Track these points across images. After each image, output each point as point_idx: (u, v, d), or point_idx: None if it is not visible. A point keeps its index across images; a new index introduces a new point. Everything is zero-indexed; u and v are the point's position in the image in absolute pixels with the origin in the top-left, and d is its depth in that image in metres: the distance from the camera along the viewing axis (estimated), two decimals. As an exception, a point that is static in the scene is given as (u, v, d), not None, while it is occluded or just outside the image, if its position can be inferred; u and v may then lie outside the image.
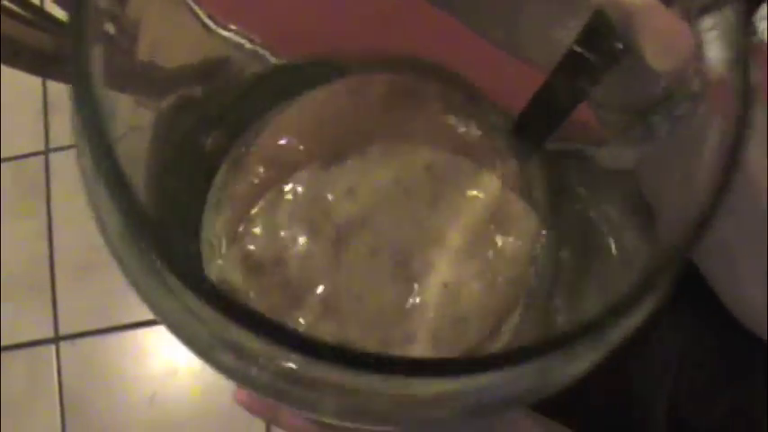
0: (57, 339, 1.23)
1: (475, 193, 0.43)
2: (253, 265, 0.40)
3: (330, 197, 0.41)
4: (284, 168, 0.42)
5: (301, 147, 0.43)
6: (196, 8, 0.39)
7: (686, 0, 0.31)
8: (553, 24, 0.36)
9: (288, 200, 0.41)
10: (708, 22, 0.30)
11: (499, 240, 0.42)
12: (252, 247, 0.40)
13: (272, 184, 0.42)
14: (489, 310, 0.41)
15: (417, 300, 0.40)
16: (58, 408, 1.19)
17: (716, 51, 0.30)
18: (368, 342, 0.40)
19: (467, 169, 0.43)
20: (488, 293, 0.41)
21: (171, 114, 0.38)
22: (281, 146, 0.43)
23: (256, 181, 0.42)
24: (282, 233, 0.41)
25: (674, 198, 0.32)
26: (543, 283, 0.42)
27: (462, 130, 0.44)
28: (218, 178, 0.43)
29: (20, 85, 1.32)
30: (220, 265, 0.40)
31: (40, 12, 0.86)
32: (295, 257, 0.40)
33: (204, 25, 0.40)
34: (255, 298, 0.40)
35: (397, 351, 0.40)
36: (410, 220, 0.41)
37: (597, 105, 0.38)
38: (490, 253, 0.42)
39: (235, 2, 0.43)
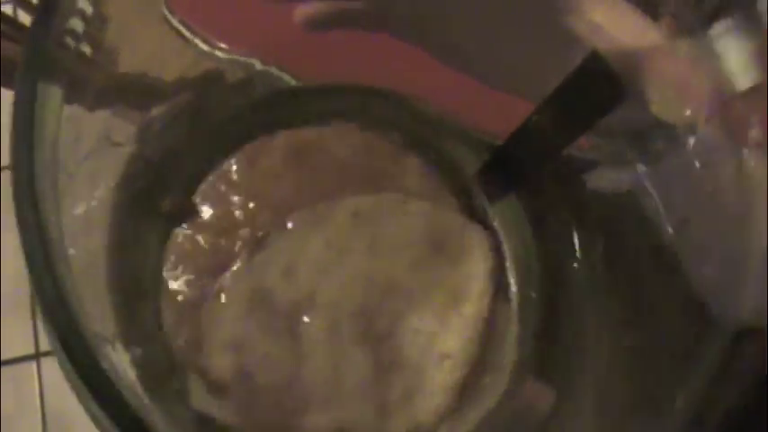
0: (37, 356, 1.21)
1: (409, 223, 0.40)
2: (219, 390, 0.38)
3: (268, 286, 0.39)
4: (212, 273, 0.39)
5: (222, 241, 0.39)
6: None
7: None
8: (540, 61, 0.32)
9: (227, 306, 0.39)
10: (718, 28, 0.26)
11: (453, 269, 0.40)
12: (211, 371, 0.38)
13: (206, 295, 0.39)
14: (471, 340, 0.39)
15: (397, 353, 0.39)
16: (40, 425, 1.18)
17: (730, 61, 0.26)
18: (366, 414, 0.38)
19: (393, 203, 0.40)
20: (464, 325, 0.40)
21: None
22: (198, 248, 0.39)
23: (185, 298, 0.39)
24: (232, 346, 0.38)
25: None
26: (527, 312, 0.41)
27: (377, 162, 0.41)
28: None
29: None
30: (199, 400, 0.38)
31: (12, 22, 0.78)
32: (255, 365, 0.38)
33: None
34: (239, 420, 0.38)
35: (401, 409, 0.39)
36: (356, 278, 0.39)
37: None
38: (448, 283, 0.40)
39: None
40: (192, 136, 0.41)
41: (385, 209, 0.39)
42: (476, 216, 0.41)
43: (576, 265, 0.39)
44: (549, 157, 0.35)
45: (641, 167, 0.34)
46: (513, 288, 0.41)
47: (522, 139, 0.34)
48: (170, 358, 0.39)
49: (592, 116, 0.31)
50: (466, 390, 0.38)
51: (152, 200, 0.38)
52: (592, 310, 0.38)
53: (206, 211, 0.40)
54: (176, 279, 0.39)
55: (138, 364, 0.37)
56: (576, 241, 0.40)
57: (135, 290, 0.39)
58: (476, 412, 0.39)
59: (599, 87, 0.31)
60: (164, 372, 0.38)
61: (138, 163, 0.38)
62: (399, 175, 0.40)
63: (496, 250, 0.40)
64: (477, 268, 0.39)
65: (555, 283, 0.40)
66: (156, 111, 0.39)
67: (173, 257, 0.39)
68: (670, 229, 0.33)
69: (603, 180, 0.37)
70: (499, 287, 0.40)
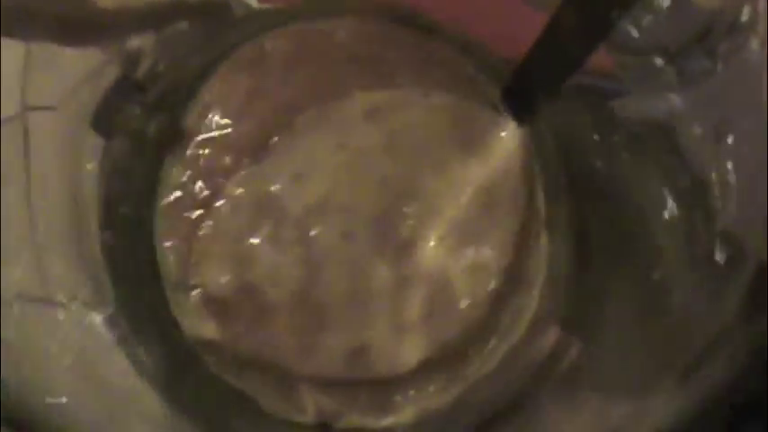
0: None
1: (432, 118, 0.36)
2: (218, 308, 0.34)
3: (277, 192, 0.35)
4: (215, 176, 0.36)
5: (220, 146, 0.36)
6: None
7: None
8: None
9: (230, 215, 0.35)
10: None
11: (482, 167, 0.35)
12: (208, 287, 0.34)
13: (208, 201, 0.35)
14: (503, 249, 0.35)
15: (420, 263, 0.35)
16: None
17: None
18: (386, 332, 0.34)
19: (413, 96, 0.36)
20: (496, 231, 0.35)
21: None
22: (207, 154, 0.36)
23: (189, 208, 0.35)
24: (237, 258, 0.35)
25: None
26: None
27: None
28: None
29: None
30: (189, 323, 0.35)
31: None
32: (261, 278, 0.34)
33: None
34: (235, 343, 0.34)
35: (425, 324, 0.34)
36: (373, 182, 0.35)
37: (617, 48, 0.30)
38: (477, 184, 0.35)
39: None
40: (187, 59, 0.37)
41: (404, 103, 0.35)
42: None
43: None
44: (571, 70, 0.30)
45: (677, 92, 0.31)
46: (542, 199, 0.36)
47: (541, 51, 0.30)
48: (161, 280, 0.35)
49: (613, 8, 0.26)
50: (496, 307, 0.34)
51: (141, 126, 0.35)
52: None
53: (207, 123, 0.36)
54: (173, 193, 0.36)
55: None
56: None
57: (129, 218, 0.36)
58: (502, 343, 0.34)
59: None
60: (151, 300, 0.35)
61: (126, 88, 0.34)
62: (420, 66, 0.36)
63: (528, 149, 0.35)
64: (509, 165, 0.35)
65: (583, 213, 0.35)
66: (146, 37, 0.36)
67: (173, 172, 0.36)
68: (706, 161, 0.29)
69: (634, 108, 0.33)
70: (530, 191, 0.35)
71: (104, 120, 0.32)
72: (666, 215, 0.32)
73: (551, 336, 0.34)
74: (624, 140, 0.34)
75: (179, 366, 0.34)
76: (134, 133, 0.33)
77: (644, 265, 0.32)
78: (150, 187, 0.35)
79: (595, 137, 0.35)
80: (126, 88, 0.32)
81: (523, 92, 0.34)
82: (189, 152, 0.36)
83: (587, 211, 0.36)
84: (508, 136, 0.35)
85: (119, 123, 0.32)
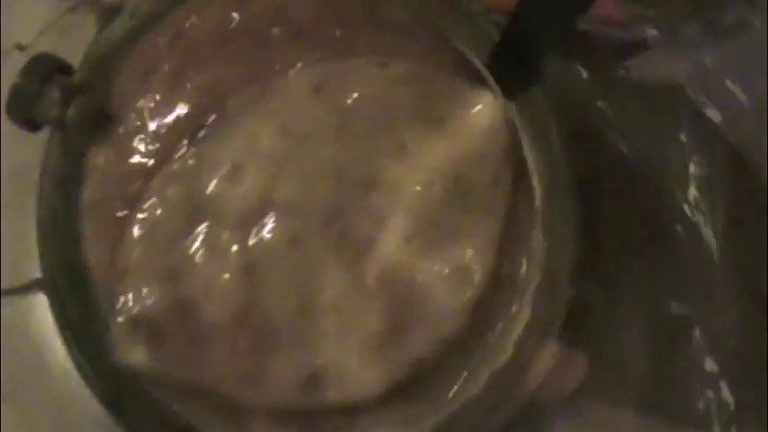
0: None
1: (392, 93, 0.30)
2: (148, 331, 0.29)
3: (211, 190, 0.29)
4: (140, 172, 0.30)
5: (141, 138, 0.30)
6: None
7: None
8: None
9: (158, 218, 0.29)
10: None
11: (455, 150, 0.29)
12: (136, 307, 0.29)
13: (133, 202, 0.30)
14: (484, 247, 0.29)
15: (385, 268, 0.29)
16: None
17: None
18: (346, 353, 0.29)
19: (368, 68, 0.30)
20: (475, 227, 0.29)
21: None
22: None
23: (114, 210, 0.30)
24: (167, 272, 0.29)
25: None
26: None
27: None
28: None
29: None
30: (118, 348, 0.29)
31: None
32: (196, 294, 0.29)
33: None
34: (172, 372, 0.29)
35: (393, 344, 0.29)
36: (324, 173, 0.29)
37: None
38: (450, 169, 0.29)
39: None
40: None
41: (357, 76, 0.29)
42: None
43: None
44: (571, 24, 0.24)
45: (705, 49, 0.27)
46: (537, 187, 0.30)
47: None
48: (87, 296, 0.30)
49: None
50: (479, 320, 0.28)
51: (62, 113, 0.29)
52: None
53: (131, 108, 0.30)
54: (93, 198, 0.30)
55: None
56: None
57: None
58: (487, 362, 0.29)
59: None
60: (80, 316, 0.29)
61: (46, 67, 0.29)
62: (375, 30, 0.30)
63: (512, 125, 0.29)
64: (488, 146, 0.28)
65: (588, 202, 0.29)
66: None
67: (89, 174, 0.30)
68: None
69: (652, 67, 0.29)
70: (518, 177, 0.29)
71: (20, 107, 0.26)
72: (691, 197, 0.26)
73: (548, 352, 0.29)
74: (640, 109, 0.28)
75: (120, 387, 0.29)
76: (55, 121, 0.27)
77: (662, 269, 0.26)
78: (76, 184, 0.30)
79: (602, 104, 0.29)
80: (45, 67, 0.27)
81: (516, 54, 0.27)
82: (111, 143, 0.30)
83: (594, 198, 0.29)
84: (485, 110, 0.29)
85: (39, 111, 0.26)
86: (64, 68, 0.29)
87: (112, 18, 0.31)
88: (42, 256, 0.31)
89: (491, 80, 0.29)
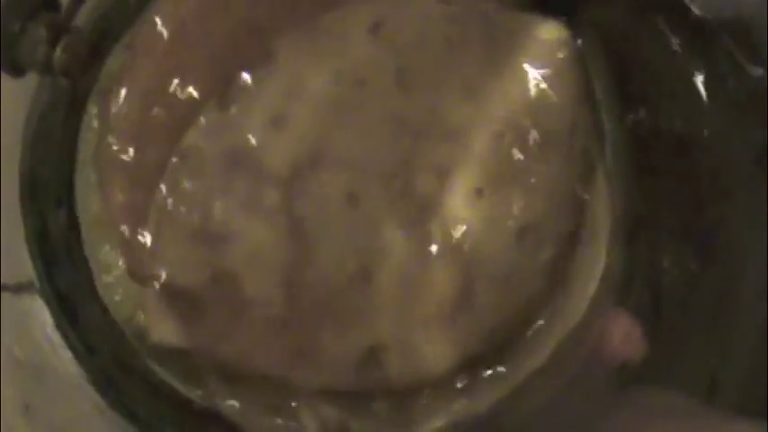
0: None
1: (456, 32, 0.26)
2: (186, 306, 0.25)
3: (251, 143, 0.26)
4: (165, 125, 0.26)
5: (176, 81, 0.26)
6: None
7: None
8: None
9: (190, 179, 0.26)
10: None
11: (523, 89, 0.26)
12: (175, 280, 0.25)
13: (158, 161, 0.26)
14: (558, 202, 0.26)
15: (452, 228, 0.25)
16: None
17: None
18: (410, 326, 0.25)
19: (429, 5, 0.27)
20: (548, 178, 0.26)
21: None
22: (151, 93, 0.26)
23: (128, 174, 0.26)
24: (205, 235, 0.25)
25: None
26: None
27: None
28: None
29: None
30: (161, 329, 0.25)
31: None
32: (238, 262, 0.25)
33: None
34: (209, 352, 0.25)
35: (460, 315, 0.25)
36: (382, 121, 0.26)
37: None
38: (519, 112, 0.26)
39: None
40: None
41: (419, 15, 0.26)
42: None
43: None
44: None
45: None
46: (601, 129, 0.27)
47: None
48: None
49: None
50: (551, 280, 0.25)
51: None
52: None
53: (149, 46, 0.26)
54: (115, 153, 0.26)
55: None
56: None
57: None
58: (558, 325, 0.25)
59: None
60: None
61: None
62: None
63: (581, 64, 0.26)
64: (563, 93, 0.25)
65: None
66: None
67: (106, 124, 0.26)
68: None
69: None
70: (586, 118, 0.26)
71: (2, 47, 0.22)
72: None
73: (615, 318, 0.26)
74: (703, 51, 0.25)
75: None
76: (42, 64, 0.23)
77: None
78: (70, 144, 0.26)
79: (660, 45, 0.26)
80: (29, 3, 0.23)
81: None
82: (124, 89, 0.26)
83: (653, 143, 0.27)
84: (559, 46, 0.26)
85: (23, 52, 0.22)
86: (50, 4, 0.25)
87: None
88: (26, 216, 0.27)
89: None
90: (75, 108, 0.27)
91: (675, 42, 0.28)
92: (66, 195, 0.27)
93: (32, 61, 0.23)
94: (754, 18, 0.25)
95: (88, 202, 0.27)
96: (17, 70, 0.24)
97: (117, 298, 0.27)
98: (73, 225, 0.27)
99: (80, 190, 0.27)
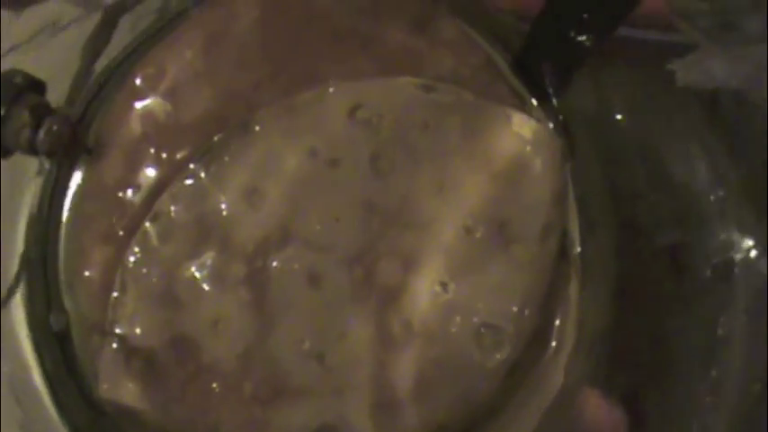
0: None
1: (436, 121, 0.27)
2: (142, 365, 0.26)
3: (222, 213, 0.26)
4: (142, 186, 0.27)
5: (152, 149, 0.27)
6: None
7: None
8: None
9: (161, 240, 0.26)
10: None
11: (503, 190, 0.26)
12: (134, 337, 0.26)
13: (133, 220, 0.26)
14: (524, 302, 0.26)
15: (412, 319, 0.26)
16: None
17: None
18: (362, 410, 0.26)
19: (412, 90, 0.27)
20: (515, 279, 0.26)
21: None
22: (125, 147, 0.27)
23: (103, 232, 0.26)
24: (168, 300, 0.26)
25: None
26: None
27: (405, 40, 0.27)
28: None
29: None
30: (105, 381, 0.26)
31: None
32: (199, 327, 0.26)
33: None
34: (164, 414, 0.26)
35: (415, 404, 0.25)
36: (353, 204, 0.26)
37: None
38: (494, 213, 0.26)
39: None
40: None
41: (400, 100, 0.26)
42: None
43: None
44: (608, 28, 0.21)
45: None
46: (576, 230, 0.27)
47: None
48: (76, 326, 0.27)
49: None
50: (511, 378, 0.25)
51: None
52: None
53: (136, 112, 0.27)
54: (83, 213, 0.27)
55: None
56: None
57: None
58: (517, 421, 0.25)
59: None
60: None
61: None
62: (422, 48, 0.26)
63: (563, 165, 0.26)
64: (539, 192, 0.25)
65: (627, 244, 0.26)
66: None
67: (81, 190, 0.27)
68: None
69: (702, 72, 0.24)
70: (564, 219, 0.26)
71: None
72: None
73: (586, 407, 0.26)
74: (691, 121, 0.25)
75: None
76: (26, 148, 0.24)
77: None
78: (57, 193, 0.27)
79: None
80: (15, 86, 0.23)
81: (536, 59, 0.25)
82: (110, 155, 0.27)
83: (635, 240, 0.26)
84: (540, 148, 0.25)
85: (7, 135, 0.23)
86: (35, 86, 0.25)
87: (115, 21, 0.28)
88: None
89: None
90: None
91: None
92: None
93: (18, 146, 0.24)
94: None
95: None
96: (3, 152, 0.24)
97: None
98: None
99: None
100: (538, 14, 0.24)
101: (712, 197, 0.25)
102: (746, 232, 0.24)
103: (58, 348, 0.28)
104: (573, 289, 0.26)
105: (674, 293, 0.26)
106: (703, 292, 0.24)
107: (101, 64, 0.29)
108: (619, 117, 0.26)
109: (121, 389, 0.26)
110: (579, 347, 0.26)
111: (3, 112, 0.24)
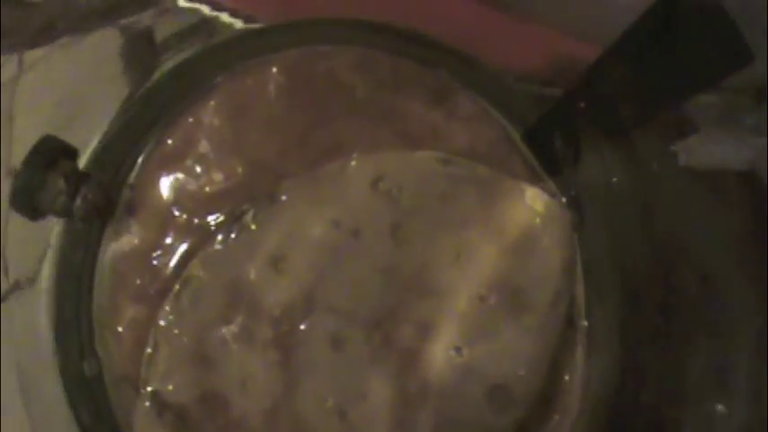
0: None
1: (453, 194, 0.28)
2: (174, 419, 0.27)
3: (250, 279, 0.27)
4: (174, 252, 0.28)
5: (183, 215, 0.28)
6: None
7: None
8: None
9: (192, 302, 0.28)
10: None
11: (515, 261, 0.28)
12: (166, 393, 0.27)
13: (162, 287, 0.28)
14: (533, 366, 0.28)
15: (429, 379, 0.27)
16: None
17: None
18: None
19: (431, 164, 0.28)
20: (525, 345, 0.28)
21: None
22: (156, 223, 0.28)
23: (135, 292, 0.28)
24: (199, 359, 0.27)
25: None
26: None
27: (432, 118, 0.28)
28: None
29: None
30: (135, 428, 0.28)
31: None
32: (228, 385, 0.27)
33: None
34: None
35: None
36: (374, 272, 0.27)
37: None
38: (507, 281, 0.28)
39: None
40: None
41: (419, 173, 0.27)
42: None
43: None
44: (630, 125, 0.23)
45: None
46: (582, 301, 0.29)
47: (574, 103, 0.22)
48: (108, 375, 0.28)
49: (695, 81, 0.19)
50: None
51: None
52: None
53: (165, 182, 0.28)
54: (119, 274, 0.28)
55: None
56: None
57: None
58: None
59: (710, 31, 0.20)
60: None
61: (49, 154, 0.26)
62: (441, 122, 0.28)
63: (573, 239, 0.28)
64: (549, 263, 0.27)
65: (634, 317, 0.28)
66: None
67: (122, 241, 0.28)
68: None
69: (705, 154, 0.26)
70: (572, 291, 0.28)
71: (24, 198, 0.24)
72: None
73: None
74: (697, 199, 0.27)
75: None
76: (62, 212, 0.25)
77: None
78: (90, 261, 0.28)
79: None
80: (49, 154, 0.24)
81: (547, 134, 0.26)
82: (143, 219, 0.28)
83: (641, 312, 0.28)
84: (551, 222, 0.27)
85: (43, 201, 0.24)
86: (68, 152, 0.27)
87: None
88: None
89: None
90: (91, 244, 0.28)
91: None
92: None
93: (54, 210, 0.25)
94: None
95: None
96: (36, 216, 0.25)
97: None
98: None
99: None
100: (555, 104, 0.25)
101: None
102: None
103: (89, 393, 0.29)
104: (579, 355, 0.28)
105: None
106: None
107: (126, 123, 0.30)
108: (623, 189, 0.28)
109: (155, 440, 0.27)
110: (583, 411, 0.28)
111: (37, 179, 0.25)
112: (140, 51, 0.29)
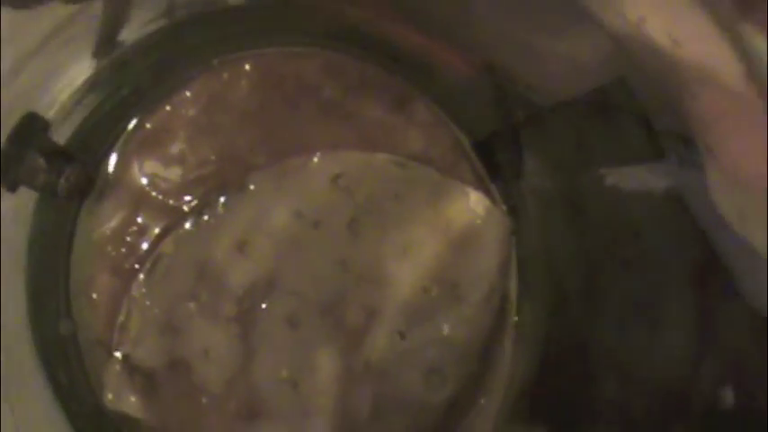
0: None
1: (406, 194, 0.31)
2: (143, 381, 0.30)
3: (217, 259, 0.30)
4: (149, 230, 0.31)
5: (159, 196, 0.31)
6: None
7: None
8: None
9: (164, 276, 0.30)
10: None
11: (458, 258, 0.31)
12: (136, 357, 0.30)
13: (136, 262, 0.31)
14: (467, 352, 0.31)
15: (372, 358, 0.31)
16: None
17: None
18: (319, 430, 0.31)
19: (387, 165, 0.31)
20: (462, 331, 0.31)
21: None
22: (135, 201, 0.31)
23: (111, 264, 0.31)
24: (169, 328, 0.30)
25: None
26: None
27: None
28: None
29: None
30: (110, 393, 0.31)
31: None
32: (193, 353, 0.30)
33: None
34: (161, 423, 0.31)
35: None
36: (330, 261, 0.30)
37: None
38: (449, 276, 0.31)
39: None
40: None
41: (376, 173, 0.30)
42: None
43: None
44: None
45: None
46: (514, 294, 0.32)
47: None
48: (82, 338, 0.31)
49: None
50: (449, 418, 0.30)
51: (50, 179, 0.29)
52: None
53: (139, 167, 0.31)
54: (95, 246, 0.31)
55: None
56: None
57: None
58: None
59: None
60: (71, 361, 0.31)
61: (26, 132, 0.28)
62: (400, 128, 0.31)
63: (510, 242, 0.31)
64: (487, 261, 0.30)
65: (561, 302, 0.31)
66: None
67: (102, 215, 0.31)
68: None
69: (631, 178, 0.27)
70: (506, 287, 0.31)
71: (7, 173, 0.26)
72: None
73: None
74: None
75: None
76: (43, 188, 0.27)
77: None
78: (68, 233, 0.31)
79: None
80: (29, 130, 0.26)
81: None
82: (121, 199, 0.31)
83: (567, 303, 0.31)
84: (492, 225, 0.30)
85: (22, 176, 0.26)
86: (45, 126, 0.27)
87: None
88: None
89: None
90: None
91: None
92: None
93: (34, 186, 0.27)
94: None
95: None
96: (13, 188, 0.27)
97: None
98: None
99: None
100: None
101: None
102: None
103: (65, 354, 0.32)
104: (507, 346, 0.31)
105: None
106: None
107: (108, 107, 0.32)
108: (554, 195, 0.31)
109: (124, 400, 0.30)
110: (508, 397, 0.31)
111: (16, 153, 0.27)
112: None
